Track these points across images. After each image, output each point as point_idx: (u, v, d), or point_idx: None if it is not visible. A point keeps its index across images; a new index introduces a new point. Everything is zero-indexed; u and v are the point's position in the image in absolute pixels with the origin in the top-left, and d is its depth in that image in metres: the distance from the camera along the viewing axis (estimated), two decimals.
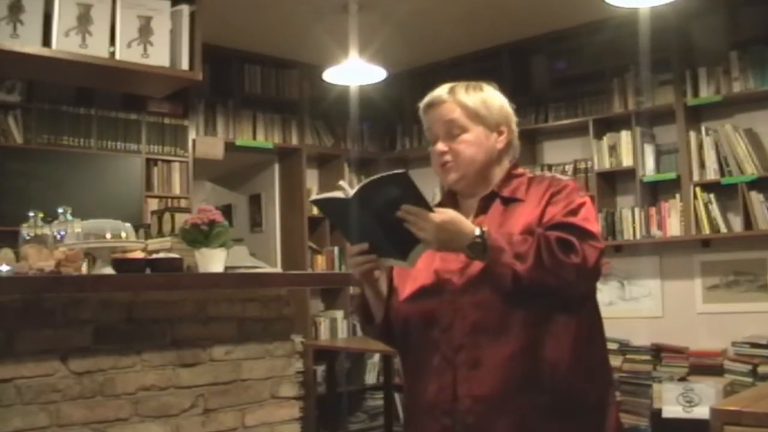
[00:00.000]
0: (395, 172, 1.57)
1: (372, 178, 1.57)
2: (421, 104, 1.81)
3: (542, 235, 1.57)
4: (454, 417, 1.63)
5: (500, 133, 1.78)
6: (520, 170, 1.81)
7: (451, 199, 1.84)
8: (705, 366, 4.54)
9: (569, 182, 1.74)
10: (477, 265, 1.61)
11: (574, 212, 1.65)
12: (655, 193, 5.00)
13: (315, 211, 6.05)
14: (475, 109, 1.75)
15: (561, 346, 1.60)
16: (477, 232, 1.57)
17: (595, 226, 1.65)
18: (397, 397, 5.99)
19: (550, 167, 5.41)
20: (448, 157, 1.75)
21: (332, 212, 1.75)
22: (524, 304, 1.59)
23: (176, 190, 5.27)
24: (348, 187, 1.62)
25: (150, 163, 5.17)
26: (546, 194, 1.70)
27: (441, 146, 1.76)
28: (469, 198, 1.80)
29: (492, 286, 1.59)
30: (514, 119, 1.84)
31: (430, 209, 1.57)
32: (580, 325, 1.64)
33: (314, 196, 1.75)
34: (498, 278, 1.57)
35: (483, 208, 1.75)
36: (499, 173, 1.78)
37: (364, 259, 1.66)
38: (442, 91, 1.79)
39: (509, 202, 1.73)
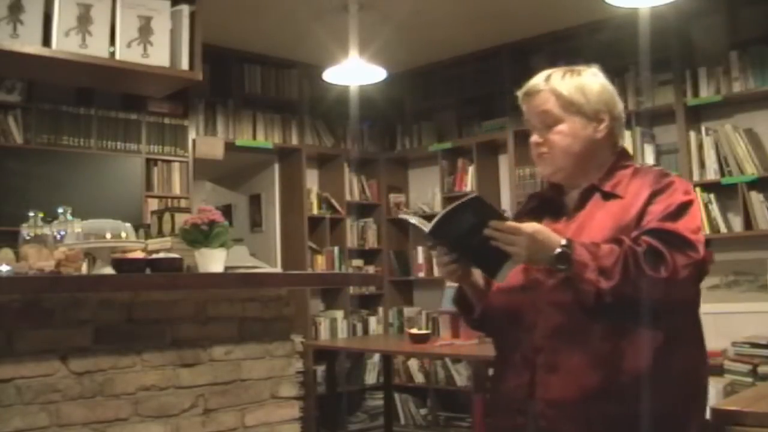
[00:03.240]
0: (467, 199, 1.56)
1: (445, 211, 1.56)
2: (519, 93, 1.77)
3: (630, 248, 1.51)
4: (528, 417, 1.61)
5: (600, 122, 1.70)
6: (626, 161, 1.74)
7: (554, 190, 1.79)
8: None
9: (674, 179, 1.66)
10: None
11: (674, 216, 1.57)
12: None
13: (315, 210, 6.07)
14: (570, 97, 1.69)
15: (642, 356, 1.55)
16: (562, 243, 1.53)
17: (696, 233, 1.56)
18: (397, 397, 6.00)
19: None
20: (543, 149, 1.71)
21: (415, 231, 1.75)
22: (609, 312, 1.53)
23: (176, 190, 5.27)
24: (418, 221, 1.63)
25: (150, 163, 5.17)
26: (647, 192, 1.62)
27: (535, 138, 1.72)
28: (571, 189, 1.75)
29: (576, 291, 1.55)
30: (617, 103, 1.74)
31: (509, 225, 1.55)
32: (667, 334, 1.57)
33: (403, 215, 1.75)
34: (581, 294, 1.53)
35: (581, 202, 1.71)
36: (601, 163, 1.72)
37: (455, 267, 1.65)
38: (538, 79, 1.74)
39: (609, 197, 1.67)
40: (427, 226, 1.60)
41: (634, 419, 1.54)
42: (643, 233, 1.55)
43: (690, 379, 1.65)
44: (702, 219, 1.73)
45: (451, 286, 5.40)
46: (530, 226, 1.55)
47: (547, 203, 1.79)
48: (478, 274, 1.77)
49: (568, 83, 1.70)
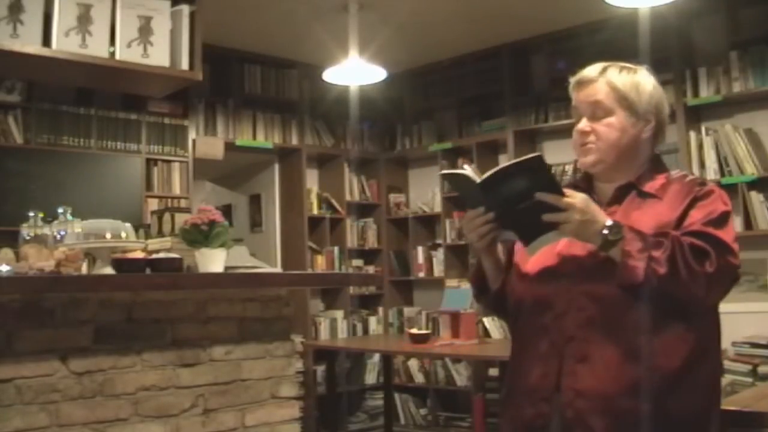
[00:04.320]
0: (529, 157, 1.52)
1: (504, 165, 1.52)
2: (572, 80, 1.76)
3: (677, 239, 1.52)
4: (553, 406, 1.60)
5: (647, 122, 1.70)
6: (662, 166, 1.75)
7: (586, 182, 1.79)
8: None
9: (714, 187, 1.66)
10: (602, 255, 1.56)
11: (716, 223, 1.58)
12: None
13: (315, 210, 6.07)
14: (625, 92, 1.68)
15: (674, 356, 1.55)
16: (609, 222, 1.53)
17: (734, 242, 1.58)
18: (397, 397, 5.99)
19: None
20: (590, 138, 1.70)
21: (458, 186, 1.70)
22: (644, 305, 1.53)
23: (176, 190, 5.27)
24: (473, 173, 1.59)
25: (150, 163, 5.17)
26: (688, 197, 1.63)
27: (584, 125, 1.71)
28: (605, 183, 1.74)
29: (615, 280, 1.54)
30: (665, 105, 1.74)
31: (563, 194, 1.53)
32: (698, 338, 1.58)
33: (444, 171, 1.72)
34: (628, 271, 1.52)
35: (618, 198, 1.70)
36: (640, 163, 1.72)
37: (488, 228, 1.62)
38: (593, 69, 1.74)
39: (646, 196, 1.67)
40: (478, 178, 1.57)
41: (662, 417, 1.54)
42: (686, 233, 1.56)
43: (714, 382, 1.66)
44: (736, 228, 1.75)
45: (451, 286, 5.41)
46: (581, 196, 1.54)
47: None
48: (500, 250, 1.76)
49: (623, 78, 1.70)
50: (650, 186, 1.69)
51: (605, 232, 1.53)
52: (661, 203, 1.65)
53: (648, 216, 1.63)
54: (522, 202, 1.53)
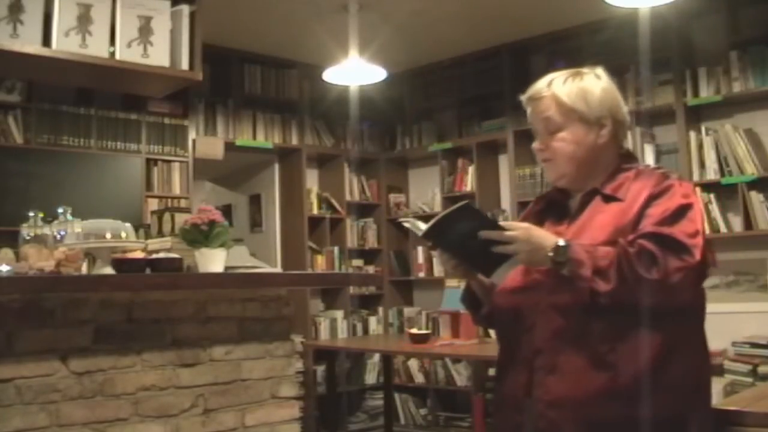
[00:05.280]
0: (457, 206, 1.59)
1: (437, 218, 1.59)
2: (523, 98, 1.77)
3: (623, 249, 1.52)
4: (525, 416, 1.63)
5: (602, 127, 1.70)
6: (630, 164, 1.74)
7: (561, 193, 1.79)
8: None
9: (674, 182, 1.64)
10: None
11: (671, 220, 1.56)
12: None
13: (315, 211, 6.07)
14: (572, 105, 1.68)
15: (642, 359, 1.55)
16: (559, 243, 1.55)
17: (694, 237, 1.54)
18: (397, 397, 5.99)
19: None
20: (546, 155, 1.72)
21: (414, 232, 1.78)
22: (606, 313, 1.54)
23: (176, 190, 5.27)
24: (413, 224, 1.67)
25: (150, 163, 5.17)
26: (646, 195, 1.62)
27: (537, 144, 1.74)
28: (576, 193, 1.75)
29: (574, 292, 1.56)
30: (620, 107, 1.73)
31: (503, 228, 1.58)
32: (667, 338, 1.57)
33: (402, 219, 1.82)
34: (578, 291, 1.55)
35: (583, 205, 1.71)
36: (605, 167, 1.71)
37: (456, 263, 1.68)
38: (541, 84, 1.74)
39: (609, 199, 1.67)
40: (420, 230, 1.63)
41: (634, 422, 1.55)
42: (638, 236, 1.55)
43: (693, 382, 1.64)
44: (703, 222, 1.70)
45: (451, 285, 5.41)
46: (522, 227, 1.58)
47: (553, 206, 1.80)
48: None
49: (569, 89, 1.70)
50: (614, 188, 1.68)
51: (551, 254, 1.55)
52: (623, 204, 1.65)
53: (609, 219, 1.64)
54: (470, 242, 1.59)
